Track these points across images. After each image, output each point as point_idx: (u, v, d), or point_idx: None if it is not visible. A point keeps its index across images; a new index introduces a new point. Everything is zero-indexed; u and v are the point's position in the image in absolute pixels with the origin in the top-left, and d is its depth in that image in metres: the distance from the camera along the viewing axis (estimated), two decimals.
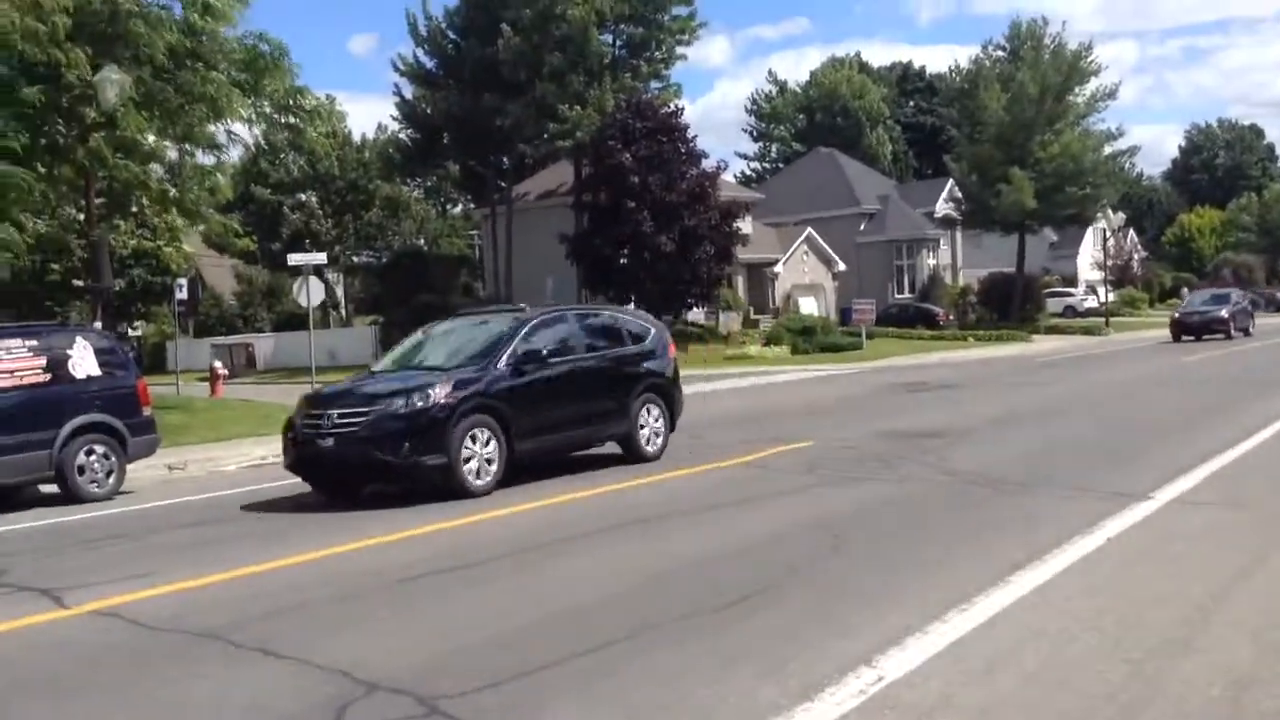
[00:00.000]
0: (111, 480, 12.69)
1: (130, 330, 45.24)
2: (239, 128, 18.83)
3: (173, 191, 18.89)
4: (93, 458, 12.49)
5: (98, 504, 12.17)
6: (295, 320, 45.53)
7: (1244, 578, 6.27)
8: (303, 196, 54.71)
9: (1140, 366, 26.30)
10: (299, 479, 11.47)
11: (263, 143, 54.59)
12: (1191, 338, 35.82)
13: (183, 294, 28.37)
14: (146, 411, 13.31)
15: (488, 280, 52.58)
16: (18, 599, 7.41)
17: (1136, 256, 74.35)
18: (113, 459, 12.68)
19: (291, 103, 18.11)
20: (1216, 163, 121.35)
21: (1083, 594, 6.04)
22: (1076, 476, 10.14)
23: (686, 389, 26.48)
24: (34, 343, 12.36)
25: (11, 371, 11.97)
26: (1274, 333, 38.74)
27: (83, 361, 12.58)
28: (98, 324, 17.05)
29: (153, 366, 41.30)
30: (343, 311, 66.70)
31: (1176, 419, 14.69)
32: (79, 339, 12.84)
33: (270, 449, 16.80)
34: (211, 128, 17.41)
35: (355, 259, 62.69)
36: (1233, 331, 36.17)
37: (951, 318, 50.71)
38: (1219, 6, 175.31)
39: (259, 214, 53.91)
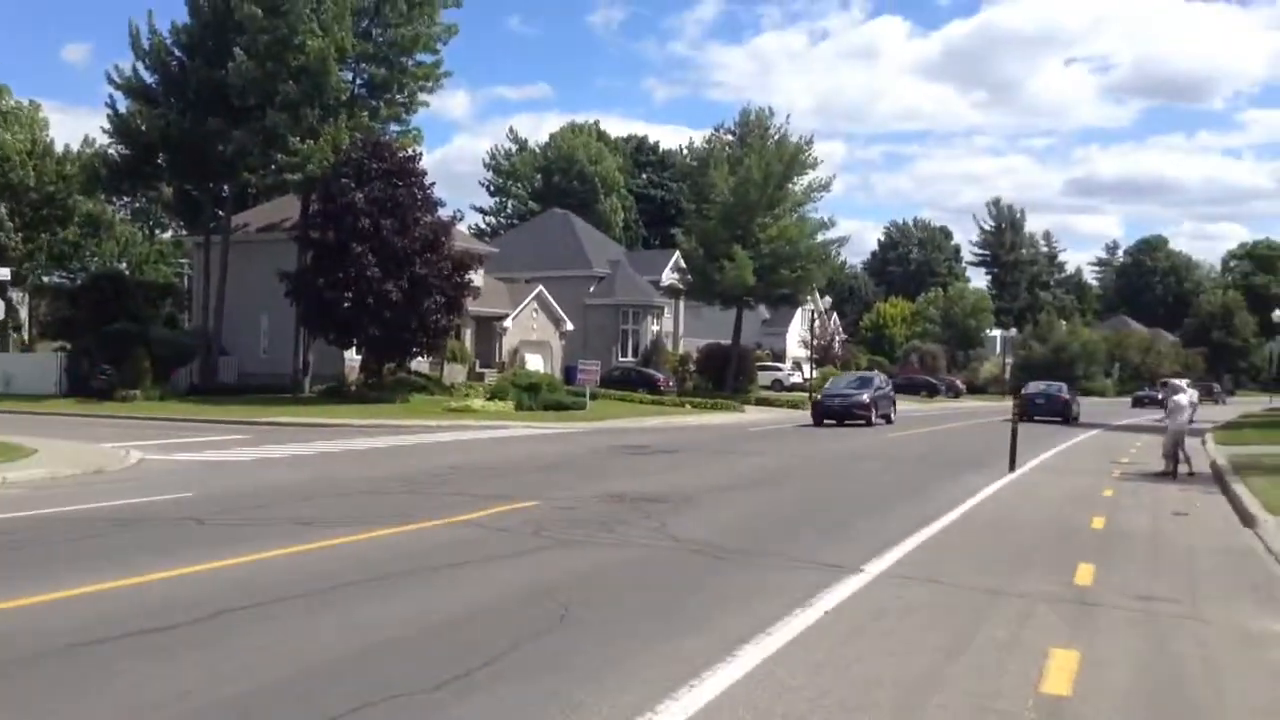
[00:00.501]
0: None
1: None
2: None
3: None
4: None
5: None
6: None
7: (951, 658, 6.44)
8: None
9: (842, 441, 27.79)
10: None
11: None
12: (834, 422, 34.08)
13: None
14: None
15: (195, 312, 49.26)
16: None
17: (838, 338, 79.53)
18: None
19: None
20: (910, 258, 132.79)
21: (807, 672, 6.01)
22: (792, 547, 10.36)
23: (403, 438, 25.95)
24: None
25: None
26: (915, 422, 41.90)
27: None
28: None
29: None
30: (25, 335, 60.66)
31: (874, 496, 15.44)
32: None
33: None
34: None
35: (45, 279, 57.32)
36: (874, 418, 34.36)
37: (671, 384, 52.17)
38: (920, 119, 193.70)
39: None
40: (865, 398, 34.60)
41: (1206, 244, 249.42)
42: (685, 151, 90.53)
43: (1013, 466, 19.39)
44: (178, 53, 42.98)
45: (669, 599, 7.95)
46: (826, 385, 40.07)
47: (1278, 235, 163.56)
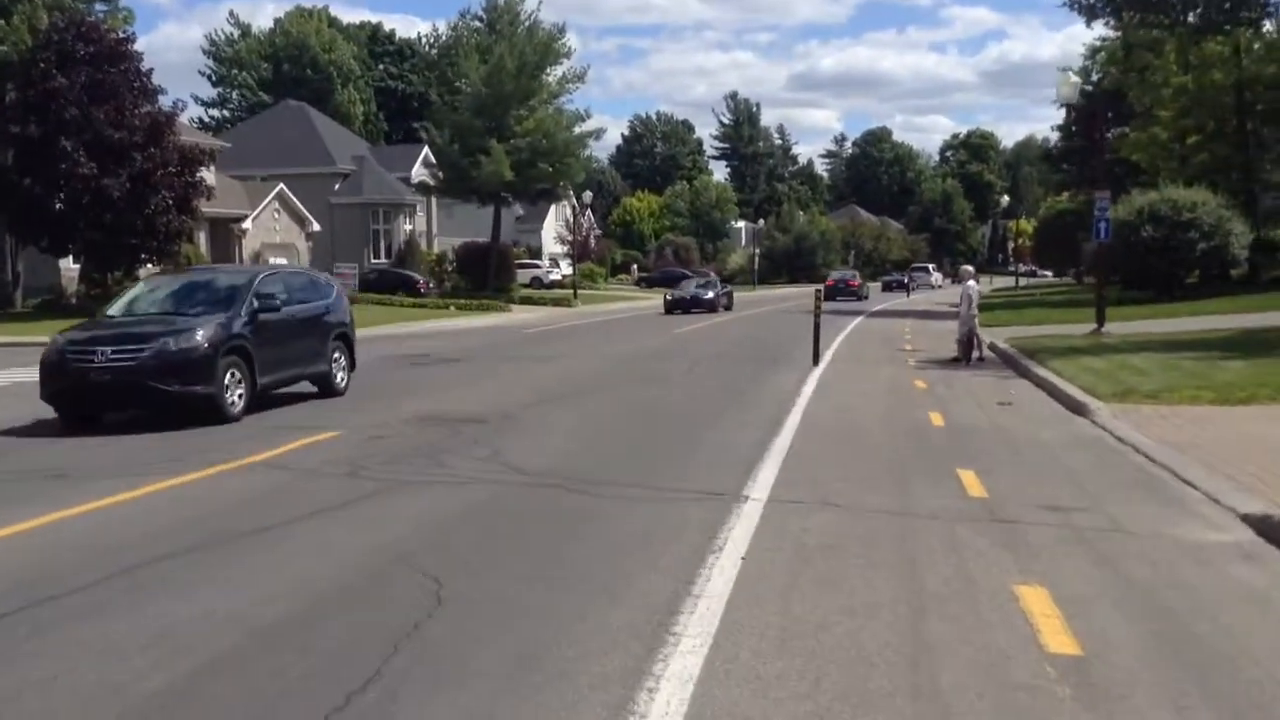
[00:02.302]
0: None
1: None
2: None
3: None
4: None
5: None
6: None
7: (919, 613, 5.54)
8: None
9: (632, 340, 27.02)
10: None
11: None
12: (680, 311, 41.33)
13: None
14: None
15: None
16: None
17: (594, 234, 78.87)
18: None
19: None
20: (655, 152, 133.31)
21: (774, 650, 4.91)
22: (653, 472, 9.28)
23: None
24: None
25: None
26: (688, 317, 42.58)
27: None
28: None
29: None
30: None
31: (702, 403, 14.61)
32: None
33: None
34: None
35: None
36: (719, 308, 42.77)
37: (431, 285, 49.91)
38: (650, 11, 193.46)
39: None
40: (710, 295, 43.54)
41: (918, 135, 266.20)
42: (429, 39, 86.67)
43: (816, 360, 19.10)
44: None
45: (555, 554, 6.66)
46: (677, 289, 46.43)
47: (981, 125, 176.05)
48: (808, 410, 13.22)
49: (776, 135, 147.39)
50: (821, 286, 29.61)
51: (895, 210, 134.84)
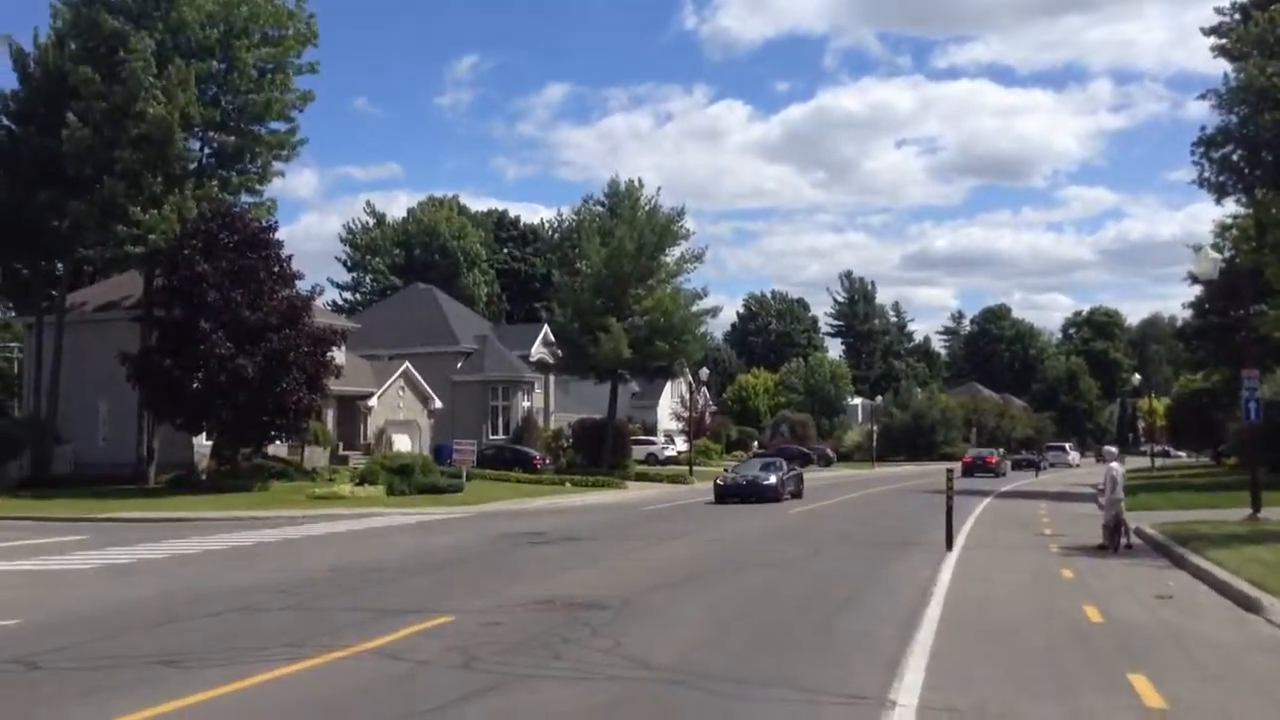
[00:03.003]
0: None
1: None
2: None
3: None
4: None
5: None
6: None
7: None
8: None
9: (751, 519, 26.28)
10: None
11: None
12: (736, 500, 33.07)
13: None
14: None
15: (26, 399, 44.88)
16: None
17: (709, 410, 78.81)
18: None
19: None
20: (770, 329, 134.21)
21: None
22: (787, 669, 8.58)
23: (266, 532, 23.15)
24: None
25: None
26: (826, 490, 41.28)
27: None
28: None
29: None
30: None
31: (831, 590, 13.82)
32: None
33: None
34: None
35: None
36: (783, 497, 33.67)
37: (547, 461, 50.02)
38: (764, 196, 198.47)
39: None
40: (772, 480, 34.06)
41: (1036, 313, 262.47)
42: (552, 223, 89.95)
43: (950, 544, 18.10)
44: (6, 120, 39.57)
45: None
46: (731, 471, 37.00)
47: (1102, 302, 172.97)
48: (948, 600, 12.33)
49: (892, 312, 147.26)
50: (951, 466, 27.08)
51: (1016, 388, 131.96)
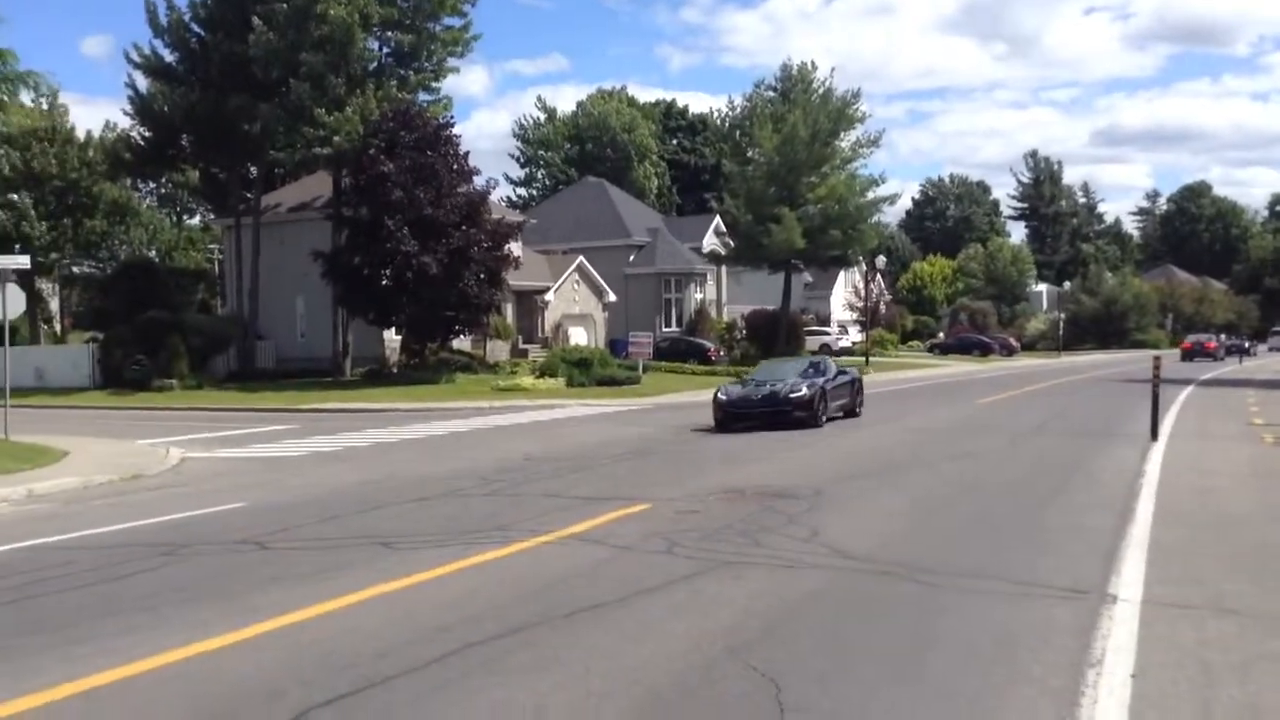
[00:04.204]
0: None
1: None
2: None
3: None
4: None
5: None
6: None
7: None
8: (14, 196, 47.81)
9: (934, 410, 25.67)
10: None
11: None
12: (740, 425, 20.67)
13: None
14: None
15: (229, 297, 47.61)
16: None
17: (884, 300, 77.08)
18: None
19: None
20: (948, 214, 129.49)
21: None
22: (993, 561, 8.32)
23: (457, 423, 24.01)
24: None
25: None
26: (988, 385, 39.59)
27: None
28: None
29: None
30: (57, 327, 59.34)
31: (1034, 481, 13.35)
32: None
33: None
34: None
35: (75, 269, 55.81)
36: (820, 416, 20.85)
37: (721, 353, 50.02)
38: (938, 75, 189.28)
39: None
40: (804, 390, 20.85)
41: (1236, 189, 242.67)
42: (722, 112, 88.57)
43: (1155, 434, 17.21)
44: (196, 28, 41.07)
45: (907, 658, 5.92)
46: (740, 382, 24.16)
47: None
48: (1161, 491, 11.72)
49: (1080, 193, 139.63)
50: (1158, 354, 24.15)
51: (1216, 270, 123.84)
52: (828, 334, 66.73)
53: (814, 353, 56.74)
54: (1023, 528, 9.84)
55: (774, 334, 51.94)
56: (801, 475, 13.56)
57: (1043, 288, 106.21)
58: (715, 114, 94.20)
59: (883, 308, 74.83)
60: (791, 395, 20.65)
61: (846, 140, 52.57)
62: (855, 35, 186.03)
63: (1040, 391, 32.69)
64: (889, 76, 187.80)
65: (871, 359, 53.29)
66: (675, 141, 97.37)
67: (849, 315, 72.76)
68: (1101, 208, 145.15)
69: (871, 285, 62.27)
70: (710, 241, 60.04)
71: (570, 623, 6.71)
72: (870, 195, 52.62)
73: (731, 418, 20.69)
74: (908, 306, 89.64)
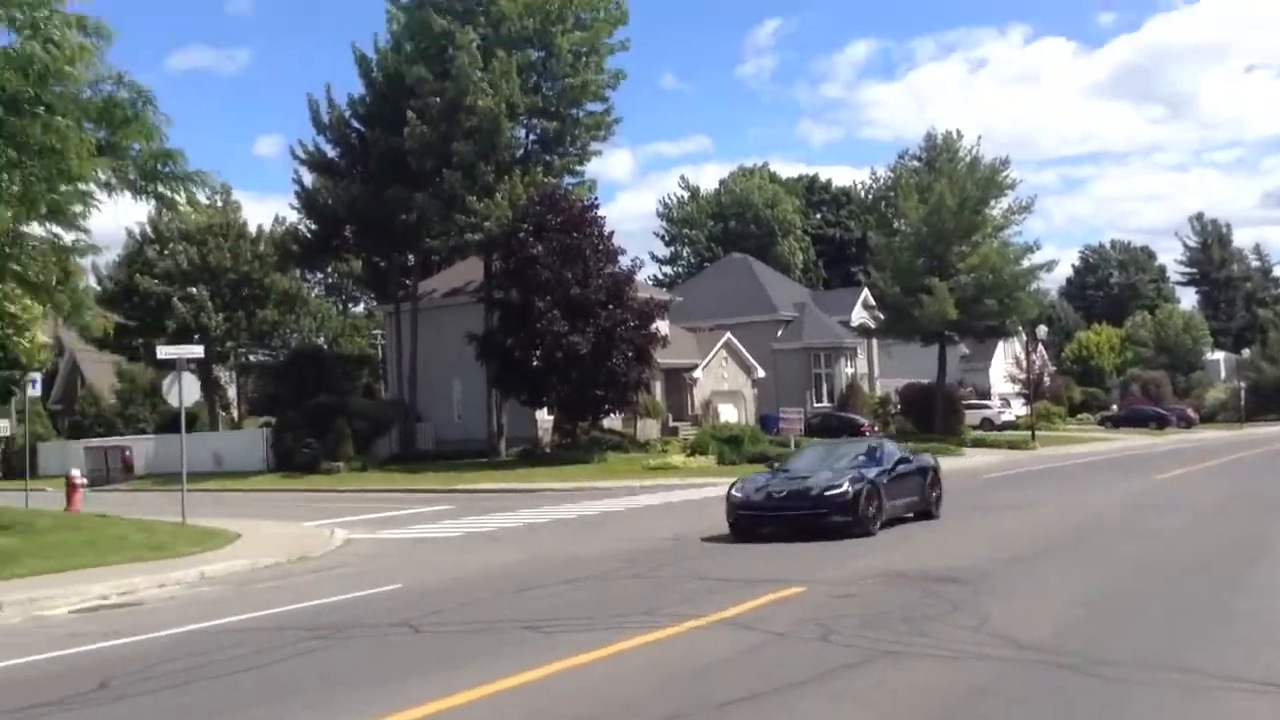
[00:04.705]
0: None
1: None
2: (102, 196, 15.73)
3: (18, 268, 15.65)
4: None
5: None
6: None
7: None
8: (193, 290, 50.88)
9: (1107, 487, 24.36)
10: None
11: (148, 229, 51.29)
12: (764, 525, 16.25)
13: (35, 390, 24.63)
14: None
15: (391, 381, 49.32)
16: None
17: (1047, 371, 74.28)
18: None
19: (160, 167, 15.04)
20: (1111, 281, 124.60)
21: None
22: (1179, 651, 7.65)
23: (608, 502, 24.01)
24: None
25: None
26: (1163, 461, 37.36)
27: None
28: None
29: (18, 471, 36.46)
30: (234, 413, 62.43)
31: (1219, 563, 12.40)
32: None
33: (114, 584, 13.60)
34: (61, 194, 14.26)
35: (250, 357, 58.79)
36: (870, 521, 15.76)
37: (875, 428, 48.90)
38: (1091, 140, 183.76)
39: (143, 305, 49.88)
40: (845, 486, 15.71)
41: None
42: (865, 185, 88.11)
43: None
44: (355, 124, 43.35)
45: None
46: (784, 463, 19.07)
47: None
48: None
49: (1253, 256, 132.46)
50: None
51: None
52: (989, 407, 64.59)
53: (974, 427, 55.02)
54: (1210, 614, 9.08)
55: (930, 408, 50.57)
56: (964, 557, 12.92)
57: (1219, 355, 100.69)
58: (858, 186, 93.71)
59: (1047, 379, 72.04)
60: (827, 493, 15.51)
61: (997, 208, 51.44)
62: (1002, 104, 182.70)
63: (1223, 466, 30.75)
64: (1039, 144, 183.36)
65: (1037, 433, 51.23)
66: (819, 215, 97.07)
67: (1010, 388, 70.32)
68: (1277, 271, 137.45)
69: (1033, 356, 60.14)
70: (859, 315, 59.23)
71: (721, 715, 6.42)
72: (1025, 263, 51.13)
73: (749, 522, 15.86)
74: (1074, 378, 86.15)
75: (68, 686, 7.97)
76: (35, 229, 16.02)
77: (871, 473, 16.30)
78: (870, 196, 74.99)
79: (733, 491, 16.56)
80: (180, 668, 8.56)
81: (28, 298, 18.09)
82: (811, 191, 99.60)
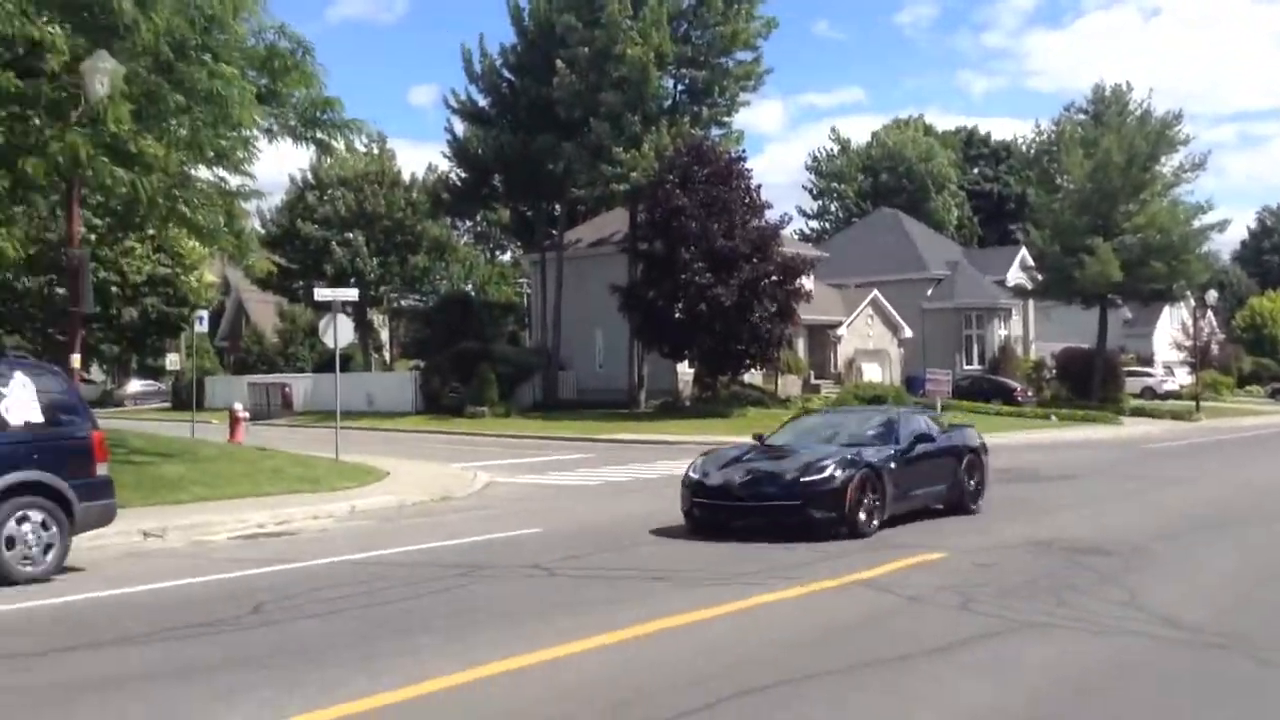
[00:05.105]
0: (50, 556, 9.95)
1: (168, 364, 43.08)
2: (263, 142, 16.32)
3: (186, 211, 16.38)
4: (25, 527, 9.75)
5: (28, 587, 9.48)
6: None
7: None
8: (349, 235, 52.66)
9: (1276, 462, 23.02)
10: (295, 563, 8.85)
11: (309, 175, 53.24)
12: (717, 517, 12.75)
13: (202, 326, 25.91)
14: (102, 470, 10.58)
15: (535, 329, 50.18)
16: None
17: (1216, 339, 70.39)
18: (53, 529, 9.96)
19: (319, 114, 15.51)
20: None
21: None
22: None
23: None
24: None
25: None
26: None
27: (20, 404, 9.91)
28: (76, 356, 14.53)
29: (187, 403, 38.64)
30: (386, 355, 64.60)
31: None
32: (19, 375, 10.16)
33: (271, 513, 14.26)
34: (226, 139, 14.84)
35: (402, 302, 60.65)
36: (865, 520, 12.07)
37: (1029, 393, 47.27)
38: (1275, 95, 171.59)
39: (303, 250, 51.98)
40: (831, 472, 12.01)
41: None
42: (1027, 139, 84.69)
43: None
44: (506, 73, 43.81)
45: None
46: (772, 435, 14.78)
47: None
48: None
49: None
50: None
51: None
52: (1151, 375, 61.80)
53: (1135, 395, 52.63)
54: None
55: (1088, 374, 48.57)
56: (1117, 530, 12.37)
57: None
58: (1020, 140, 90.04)
59: (1214, 347, 68.31)
60: (805, 479, 11.85)
61: (1167, 165, 48.74)
62: (1176, 54, 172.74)
63: None
64: (1216, 97, 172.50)
65: (1202, 404, 48.73)
66: (976, 170, 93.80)
67: (1175, 355, 66.98)
68: None
69: (1201, 322, 57.07)
70: (1015, 275, 57.13)
71: (850, 677, 6.29)
72: (1196, 224, 48.39)
73: (706, 513, 12.29)
74: (1244, 346, 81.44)
75: (226, 609, 8.40)
76: (202, 173, 16.78)
77: (874, 454, 12.61)
78: (1032, 151, 72.04)
79: (689, 472, 12.80)
80: (328, 596, 8.91)
81: (194, 239, 18.89)
82: (969, 145, 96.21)
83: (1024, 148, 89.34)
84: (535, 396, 42.39)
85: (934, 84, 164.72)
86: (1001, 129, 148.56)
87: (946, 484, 13.87)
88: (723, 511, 12.20)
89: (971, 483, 14.25)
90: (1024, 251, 56.86)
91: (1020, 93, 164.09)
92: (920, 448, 13.54)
